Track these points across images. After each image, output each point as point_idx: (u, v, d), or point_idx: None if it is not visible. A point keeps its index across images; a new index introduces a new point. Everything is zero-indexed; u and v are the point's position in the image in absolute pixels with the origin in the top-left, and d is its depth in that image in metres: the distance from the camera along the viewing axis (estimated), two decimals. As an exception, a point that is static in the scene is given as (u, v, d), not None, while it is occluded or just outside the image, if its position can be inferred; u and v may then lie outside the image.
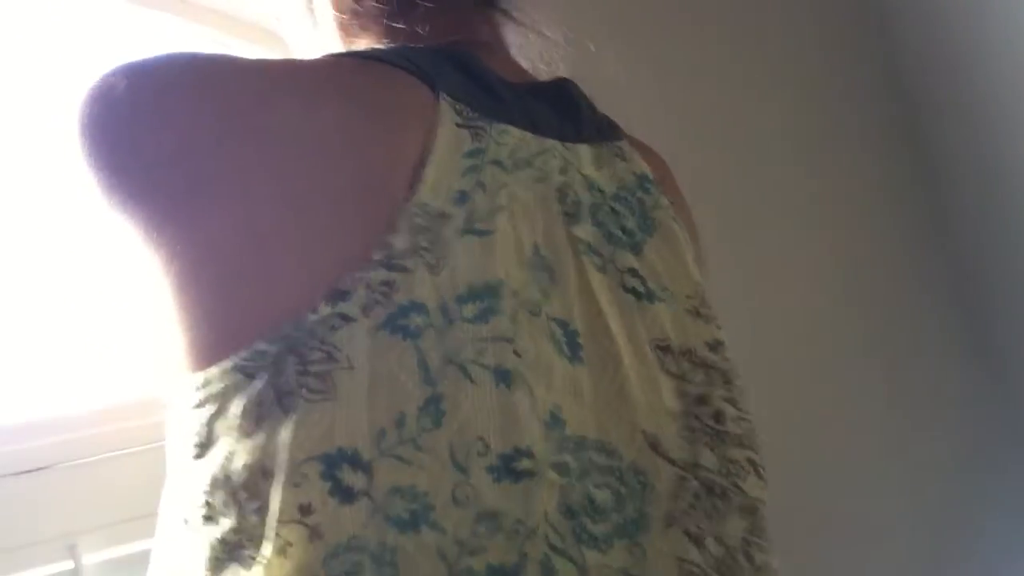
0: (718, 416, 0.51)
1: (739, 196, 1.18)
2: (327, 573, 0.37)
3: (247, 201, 0.41)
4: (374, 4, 0.53)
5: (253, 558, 0.38)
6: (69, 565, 0.71)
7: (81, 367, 0.80)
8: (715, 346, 0.53)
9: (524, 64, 0.60)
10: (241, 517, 0.39)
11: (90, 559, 0.72)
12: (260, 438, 0.39)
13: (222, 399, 0.40)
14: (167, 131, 0.41)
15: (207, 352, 0.40)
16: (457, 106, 0.48)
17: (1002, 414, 1.38)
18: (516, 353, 0.43)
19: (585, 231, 0.51)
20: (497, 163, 0.48)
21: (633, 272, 0.52)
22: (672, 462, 0.48)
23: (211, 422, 0.40)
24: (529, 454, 0.41)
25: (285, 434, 0.38)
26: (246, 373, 0.39)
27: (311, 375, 0.39)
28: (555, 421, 0.44)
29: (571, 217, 0.51)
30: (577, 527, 0.43)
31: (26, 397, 0.77)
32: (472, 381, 0.41)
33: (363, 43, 0.55)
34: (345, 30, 0.55)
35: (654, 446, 0.48)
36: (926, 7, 1.39)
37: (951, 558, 1.25)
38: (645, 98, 1.06)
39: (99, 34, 0.85)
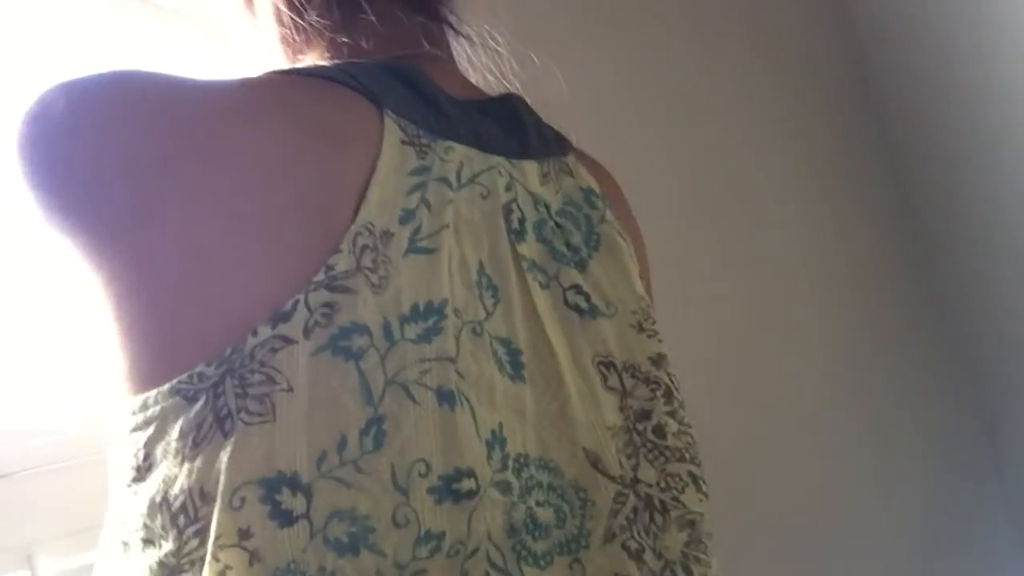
0: (659, 430, 0.52)
1: (707, 203, 1.19)
2: None
3: (186, 223, 0.41)
4: (317, 19, 0.53)
5: None
6: (26, 575, 0.71)
7: (40, 374, 0.79)
8: (658, 360, 0.54)
9: (474, 77, 0.60)
10: (180, 541, 0.39)
11: (47, 569, 0.72)
12: (199, 461, 0.39)
13: (161, 422, 0.40)
14: (106, 151, 0.41)
15: (147, 375, 0.40)
16: (402, 123, 0.48)
17: (975, 420, 1.40)
18: (459, 373, 0.44)
19: (530, 248, 0.52)
20: (443, 180, 0.48)
21: (577, 289, 0.53)
22: (612, 479, 0.48)
23: (150, 445, 0.40)
24: (470, 474, 0.42)
25: (224, 457, 0.38)
26: (186, 396, 0.39)
27: (250, 398, 0.39)
28: (496, 440, 0.44)
29: (516, 234, 0.51)
30: (518, 544, 0.43)
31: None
32: (415, 402, 0.41)
33: (308, 58, 0.55)
34: (289, 45, 0.55)
35: (594, 463, 0.48)
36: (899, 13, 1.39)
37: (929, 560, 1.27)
38: (603, 109, 1.06)
39: (65, 33, 0.83)
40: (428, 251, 0.45)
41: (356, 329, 0.41)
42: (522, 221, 0.52)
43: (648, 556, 0.48)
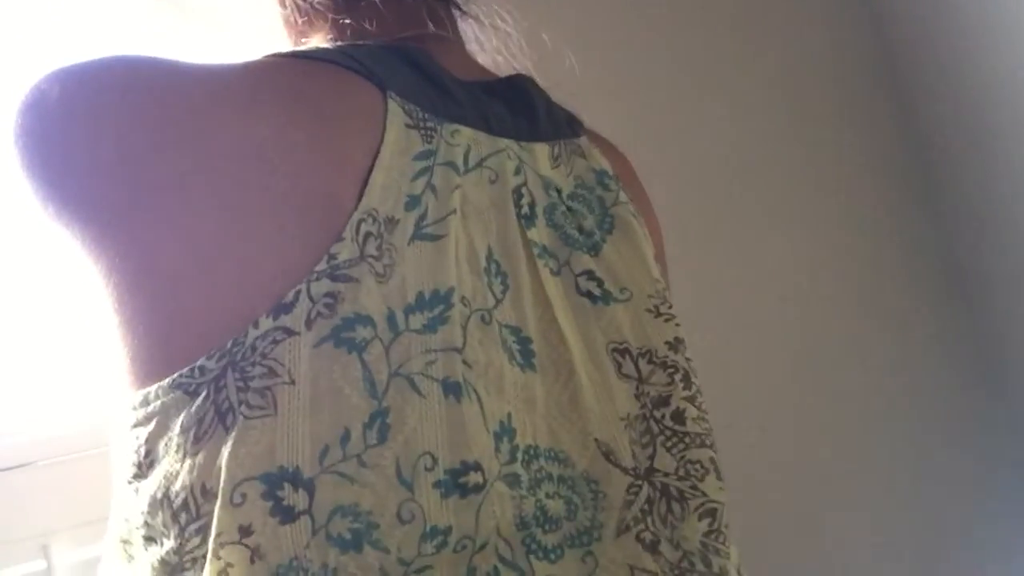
0: (678, 416, 0.51)
1: (723, 188, 1.16)
2: None
3: (185, 212, 0.40)
4: (319, 0, 0.51)
5: None
6: (42, 565, 0.71)
7: (55, 365, 0.79)
8: (675, 345, 0.52)
9: (483, 59, 0.59)
10: (182, 538, 0.38)
11: (62, 559, 0.72)
12: (201, 457, 0.38)
13: (163, 417, 0.39)
14: (102, 140, 0.40)
15: (148, 369, 0.39)
16: (406, 106, 0.47)
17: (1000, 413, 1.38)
18: (465, 363, 0.42)
19: (540, 234, 0.50)
20: (449, 164, 0.47)
21: (589, 274, 0.51)
22: (624, 470, 0.47)
23: (151, 441, 0.39)
24: (477, 467, 0.41)
25: (225, 452, 0.37)
26: (187, 390, 0.39)
27: (252, 391, 0.38)
28: (505, 431, 0.43)
29: (526, 219, 0.50)
30: (527, 538, 0.42)
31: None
32: (419, 394, 0.40)
33: (311, 41, 0.54)
34: (292, 27, 0.54)
35: (607, 454, 0.47)
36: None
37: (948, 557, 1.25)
38: (612, 91, 1.04)
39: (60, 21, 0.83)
40: (434, 238, 0.44)
41: (359, 320, 0.40)
42: (532, 206, 0.51)
43: (665, 547, 0.47)
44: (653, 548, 0.46)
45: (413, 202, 0.44)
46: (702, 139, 1.15)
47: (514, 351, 0.46)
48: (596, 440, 0.47)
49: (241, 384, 0.38)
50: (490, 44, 0.59)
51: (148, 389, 0.39)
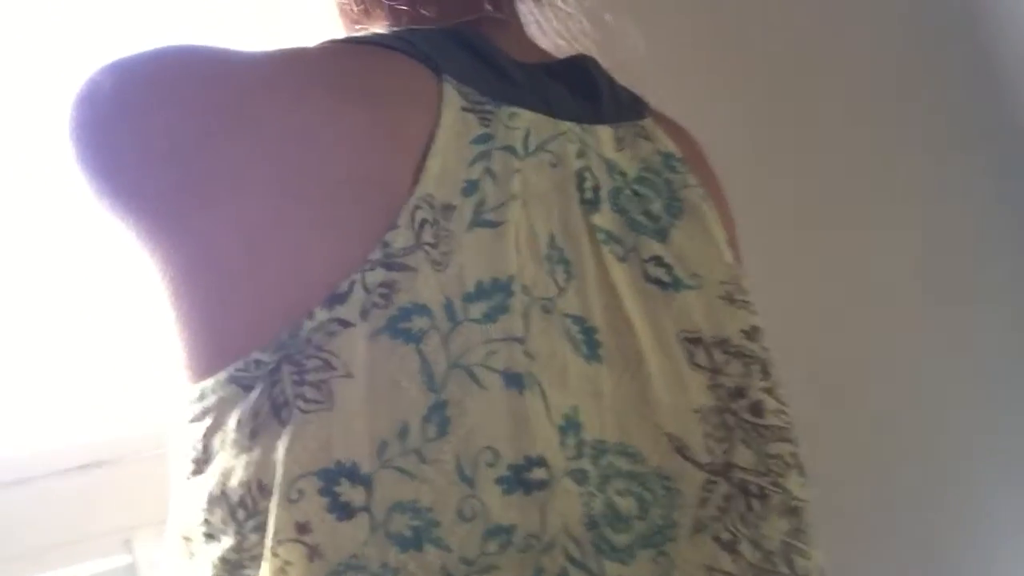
0: (756, 408, 0.48)
1: (792, 175, 1.11)
2: None
3: (236, 204, 0.39)
4: None
5: None
6: (126, 560, 0.73)
7: (138, 361, 0.81)
8: (752, 333, 0.50)
9: (545, 43, 0.57)
10: (240, 535, 0.37)
11: (146, 554, 0.73)
12: (257, 453, 0.37)
13: (218, 412, 0.38)
14: (153, 131, 0.39)
15: (204, 363, 0.39)
16: (463, 89, 0.45)
17: None
18: (527, 354, 0.41)
19: (605, 219, 0.48)
20: (508, 149, 0.45)
21: (658, 260, 0.49)
22: (700, 466, 0.45)
23: (208, 436, 0.39)
24: (542, 463, 0.39)
25: (281, 448, 0.37)
26: (242, 384, 0.38)
27: (308, 384, 0.37)
28: (571, 425, 0.41)
29: (590, 204, 0.48)
30: (597, 538, 0.40)
31: (82, 393, 0.78)
32: (480, 386, 0.39)
33: (367, 28, 0.53)
34: (347, 15, 0.53)
35: (680, 449, 0.45)
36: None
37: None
38: (686, 70, 1.00)
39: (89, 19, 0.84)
40: (493, 224, 0.43)
41: (416, 309, 0.39)
42: (596, 190, 0.49)
43: (744, 547, 0.44)
44: (731, 548, 0.44)
45: (471, 188, 0.43)
46: (778, 124, 1.10)
47: (579, 342, 0.44)
48: (668, 434, 0.45)
49: (297, 377, 0.37)
50: (550, 26, 0.57)
51: (204, 384, 0.39)
